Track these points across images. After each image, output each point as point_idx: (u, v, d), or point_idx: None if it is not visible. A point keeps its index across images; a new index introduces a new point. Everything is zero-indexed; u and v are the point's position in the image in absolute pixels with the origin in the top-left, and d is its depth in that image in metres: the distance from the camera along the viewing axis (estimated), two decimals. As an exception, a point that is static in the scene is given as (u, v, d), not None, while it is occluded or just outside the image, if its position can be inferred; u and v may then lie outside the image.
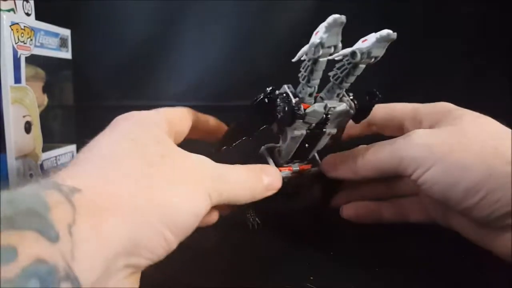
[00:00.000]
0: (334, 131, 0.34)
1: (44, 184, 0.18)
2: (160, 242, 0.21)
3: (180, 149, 0.25)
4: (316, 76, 0.30)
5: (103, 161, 0.21)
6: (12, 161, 0.47)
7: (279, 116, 0.31)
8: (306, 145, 0.35)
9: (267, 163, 0.37)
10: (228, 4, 0.59)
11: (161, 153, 0.23)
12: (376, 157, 0.30)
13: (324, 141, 0.35)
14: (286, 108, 0.31)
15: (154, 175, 0.22)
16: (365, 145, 0.32)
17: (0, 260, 0.13)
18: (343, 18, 0.26)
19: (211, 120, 0.37)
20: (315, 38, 0.28)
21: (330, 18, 0.27)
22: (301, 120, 0.31)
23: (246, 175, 0.28)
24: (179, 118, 0.32)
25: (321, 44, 0.27)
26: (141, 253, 0.20)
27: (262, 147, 0.38)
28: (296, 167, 0.36)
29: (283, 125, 0.33)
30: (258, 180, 0.29)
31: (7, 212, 0.15)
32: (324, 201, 0.40)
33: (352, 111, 0.32)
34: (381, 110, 0.35)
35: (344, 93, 0.33)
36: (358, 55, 0.27)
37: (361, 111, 0.33)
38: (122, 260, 0.19)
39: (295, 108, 0.30)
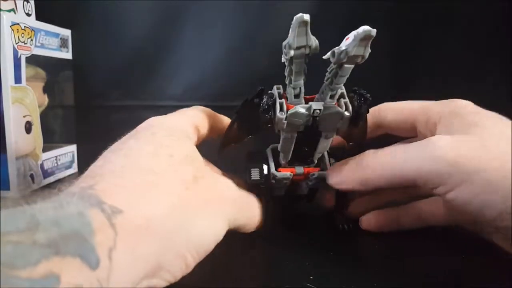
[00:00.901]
0: (332, 134, 0.34)
1: (87, 199, 0.18)
2: (181, 265, 0.21)
3: (209, 169, 0.26)
4: (297, 77, 0.30)
5: (142, 178, 0.21)
6: (12, 161, 0.47)
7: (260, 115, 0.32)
8: (305, 148, 0.35)
9: (268, 163, 0.37)
10: (228, 4, 0.59)
11: (194, 174, 0.23)
12: (389, 167, 0.27)
13: (324, 144, 0.34)
14: (263, 108, 0.31)
15: (187, 199, 0.21)
16: (373, 151, 0.30)
17: None
18: (305, 17, 0.25)
19: (225, 119, 0.36)
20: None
21: (294, 19, 0.26)
22: (284, 121, 0.31)
23: (258, 207, 0.30)
24: (203, 120, 0.32)
25: (289, 45, 0.27)
26: (162, 275, 0.20)
27: (268, 147, 0.38)
28: (300, 169, 0.36)
29: (263, 124, 0.33)
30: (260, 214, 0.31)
31: (52, 234, 0.14)
32: (335, 207, 0.39)
33: (347, 114, 0.32)
34: (391, 112, 0.33)
35: (345, 94, 0.33)
36: (335, 54, 0.27)
37: (355, 115, 0.32)
38: (145, 282, 0.19)
39: (265, 108, 0.31)
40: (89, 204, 0.17)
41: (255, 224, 0.30)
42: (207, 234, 0.23)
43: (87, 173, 0.21)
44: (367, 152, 0.30)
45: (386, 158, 0.28)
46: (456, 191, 0.24)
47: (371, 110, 0.31)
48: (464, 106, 0.29)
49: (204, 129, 0.31)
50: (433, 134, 0.29)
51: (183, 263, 0.21)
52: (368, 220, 0.36)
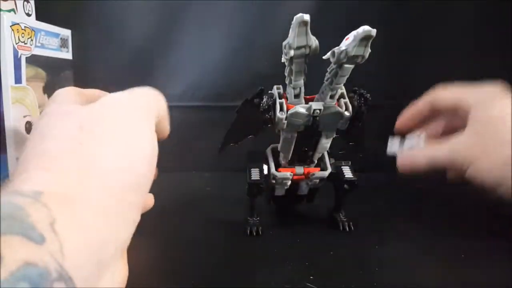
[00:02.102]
0: (332, 134, 0.34)
1: (7, 192, 0.18)
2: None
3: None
4: (297, 77, 0.30)
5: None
6: (12, 161, 0.47)
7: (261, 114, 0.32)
8: (305, 148, 0.35)
9: (268, 163, 0.37)
10: (228, 5, 0.59)
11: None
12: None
13: (324, 144, 0.34)
14: (263, 108, 0.32)
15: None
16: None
17: None
18: (305, 17, 0.26)
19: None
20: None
21: (294, 19, 0.26)
22: (284, 121, 0.31)
23: None
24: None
25: (289, 45, 0.27)
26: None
27: (268, 147, 0.38)
28: (300, 169, 0.36)
29: (263, 124, 0.33)
30: None
31: None
32: (335, 207, 0.39)
33: (347, 114, 0.32)
34: (448, 101, 0.37)
35: (345, 94, 0.33)
36: (335, 54, 0.27)
37: (355, 116, 0.32)
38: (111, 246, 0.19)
39: (265, 108, 0.32)
40: (11, 194, 0.17)
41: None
42: (136, 153, 0.21)
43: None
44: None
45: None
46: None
47: (427, 94, 0.37)
48: (491, 93, 0.35)
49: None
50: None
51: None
52: (403, 159, 0.38)
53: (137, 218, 0.21)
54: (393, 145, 0.37)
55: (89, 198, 0.18)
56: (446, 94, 0.37)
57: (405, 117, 0.40)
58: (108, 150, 0.20)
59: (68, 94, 0.25)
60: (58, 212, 0.17)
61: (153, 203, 0.28)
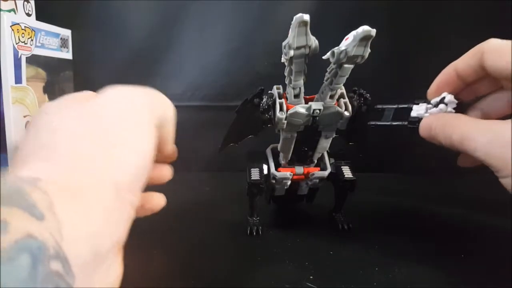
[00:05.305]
0: (332, 134, 0.34)
1: (6, 176, 0.18)
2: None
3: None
4: (297, 77, 0.30)
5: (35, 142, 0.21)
6: (12, 161, 0.47)
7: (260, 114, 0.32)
8: (305, 148, 0.35)
9: (268, 163, 0.37)
10: (228, 5, 0.59)
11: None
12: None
13: (324, 144, 0.34)
14: (263, 108, 0.32)
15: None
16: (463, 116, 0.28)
17: None
18: (305, 17, 0.25)
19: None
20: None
21: (294, 19, 0.26)
22: (284, 121, 0.31)
23: None
24: None
25: (288, 45, 0.27)
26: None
27: (268, 147, 0.38)
28: (300, 169, 0.36)
29: (262, 123, 0.33)
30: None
31: None
32: (335, 207, 0.39)
33: (347, 113, 0.32)
34: (492, 55, 0.28)
35: (344, 94, 0.33)
36: (335, 54, 0.27)
37: (355, 115, 0.32)
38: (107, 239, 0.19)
39: (265, 108, 0.32)
40: (11, 177, 0.18)
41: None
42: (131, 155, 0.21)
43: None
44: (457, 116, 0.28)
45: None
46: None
47: (474, 50, 0.29)
48: None
49: None
50: None
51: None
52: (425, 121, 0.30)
53: (132, 215, 0.21)
54: (419, 109, 0.31)
55: (87, 190, 0.18)
56: (503, 53, 0.27)
57: (441, 80, 0.31)
58: (106, 145, 0.20)
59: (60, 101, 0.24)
60: (57, 198, 0.17)
61: (163, 203, 0.28)
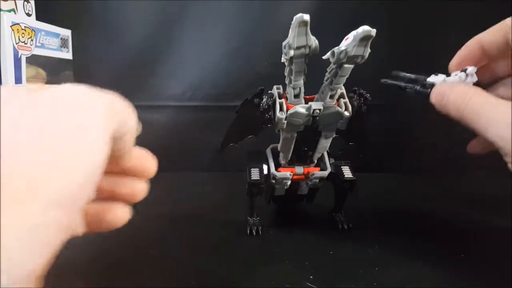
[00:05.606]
0: (332, 134, 0.34)
1: None
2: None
3: None
4: (297, 77, 0.30)
5: None
6: None
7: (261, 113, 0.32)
8: (305, 148, 0.35)
9: (268, 163, 0.37)
10: (228, 5, 0.59)
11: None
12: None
13: (324, 144, 0.34)
14: (263, 108, 0.32)
15: None
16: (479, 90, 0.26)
17: None
18: (305, 17, 0.25)
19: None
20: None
21: (294, 19, 0.26)
22: (284, 121, 0.31)
23: None
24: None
25: (288, 45, 0.27)
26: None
27: (268, 147, 0.38)
28: (300, 169, 0.36)
29: (262, 123, 0.33)
30: None
31: None
32: (335, 207, 0.39)
33: (347, 113, 0.32)
34: None
35: (344, 94, 0.33)
36: (335, 54, 0.27)
37: (355, 115, 0.32)
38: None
39: (265, 108, 0.31)
40: None
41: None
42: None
43: None
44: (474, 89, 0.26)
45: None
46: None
47: (500, 25, 0.28)
48: None
49: None
50: None
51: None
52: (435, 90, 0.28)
53: (60, 240, 0.17)
54: (437, 78, 0.28)
55: (2, 197, 0.15)
56: None
57: (464, 53, 0.29)
58: (40, 148, 0.16)
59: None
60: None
61: (128, 217, 0.23)
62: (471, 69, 0.27)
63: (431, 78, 0.28)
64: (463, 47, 0.29)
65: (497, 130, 0.23)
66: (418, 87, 0.29)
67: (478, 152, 0.29)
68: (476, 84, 0.27)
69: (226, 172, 0.55)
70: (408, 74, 0.30)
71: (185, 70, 0.61)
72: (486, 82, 0.29)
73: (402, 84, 0.30)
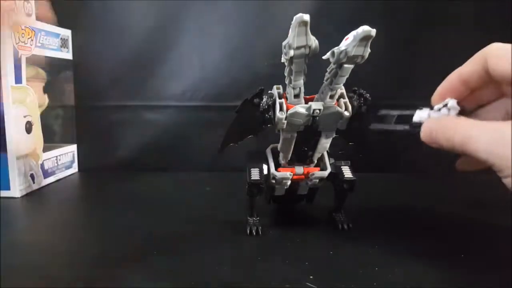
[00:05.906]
0: (332, 134, 0.34)
1: None
2: None
3: None
4: (297, 77, 0.30)
5: None
6: (12, 161, 0.47)
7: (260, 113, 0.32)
8: (305, 148, 0.35)
9: (268, 163, 0.37)
10: (228, 5, 0.59)
11: None
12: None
13: (324, 144, 0.34)
14: (263, 108, 0.32)
15: None
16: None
17: None
18: (305, 17, 0.26)
19: None
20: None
21: (294, 19, 0.26)
22: (284, 121, 0.31)
23: None
24: None
25: (288, 45, 0.27)
26: None
27: (268, 147, 0.38)
28: (300, 169, 0.36)
29: (262, 123, 0.33)
30: None
31: None
32: (335, 207, 0.39)
33: (347, 113, 0.32)
34: (500, 60, 0.27)
35: (344, 94, 0.33)
36: (335, 54, 0.27)
37: (356, 116, 0.32)
38: None
39: (265, 108, 0.32)
40: None
41: None
42: None
43: None
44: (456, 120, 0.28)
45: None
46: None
47: (477, 55, 0.29)
48: None
49: None
50: None
51: None
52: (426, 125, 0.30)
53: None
54: (421, 114, 0.30)
55: None
56: (504, 57, 0.26)
57: (444, 86, 0.31)
58: None
59: None
60: None
61: None
62: (452, 102, 0.29)
63: (417, 117, 0.30)
64: (444, 81, 0.31)
65: (486, 147, 0.24)
66: (406, 127, 0.31)
67: (468, 170, 0.30)
68: (460, 113, 0.29)
69: (226, 172, 0.55)
70: (395, 112, 0.32)
71: (185, 70, 0.61)
72: (470, 110, 0.30)
73: (390, 128, 0.32)
